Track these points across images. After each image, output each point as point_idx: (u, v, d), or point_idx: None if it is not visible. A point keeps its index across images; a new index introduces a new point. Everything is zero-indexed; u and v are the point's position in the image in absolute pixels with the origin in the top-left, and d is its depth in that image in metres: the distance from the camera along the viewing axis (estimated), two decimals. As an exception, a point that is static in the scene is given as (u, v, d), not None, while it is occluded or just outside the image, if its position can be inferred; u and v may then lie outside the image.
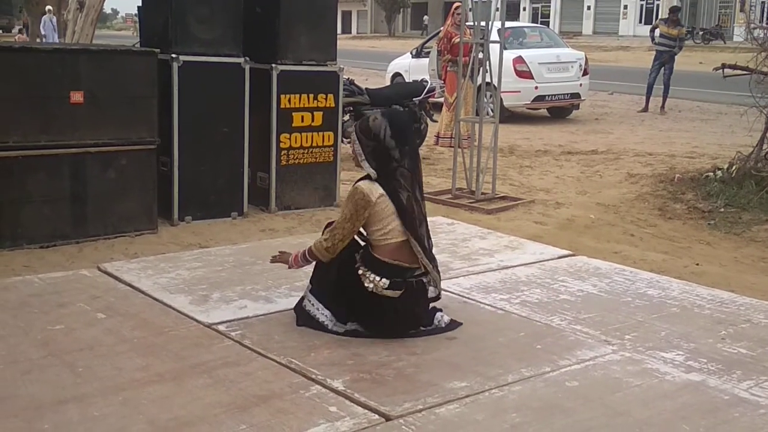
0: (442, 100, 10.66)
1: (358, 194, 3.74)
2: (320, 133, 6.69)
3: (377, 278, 3.76)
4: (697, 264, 5.69)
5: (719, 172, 8.01)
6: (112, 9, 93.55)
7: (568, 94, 13.78)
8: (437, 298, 4.01)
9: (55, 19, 22.30)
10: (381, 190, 3.75)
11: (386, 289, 3.75)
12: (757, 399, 3.32)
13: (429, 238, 3.93)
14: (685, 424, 3.09)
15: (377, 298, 3.77)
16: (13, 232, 5.28)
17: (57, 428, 2.93)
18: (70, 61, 5.42)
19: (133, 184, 5.70)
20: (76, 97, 5.38)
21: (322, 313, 3.90)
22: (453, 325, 3.98)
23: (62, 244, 5.41)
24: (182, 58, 5.91)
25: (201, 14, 6.04)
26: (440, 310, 4.04)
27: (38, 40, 14.98)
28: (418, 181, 3.86)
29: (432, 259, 3.90)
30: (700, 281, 5.09)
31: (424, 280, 3.87)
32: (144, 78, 5.66)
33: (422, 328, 3.90)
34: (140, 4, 6.68)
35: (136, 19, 8.00)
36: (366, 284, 3.76)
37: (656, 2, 46.93)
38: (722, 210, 7.03)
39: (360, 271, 3.79)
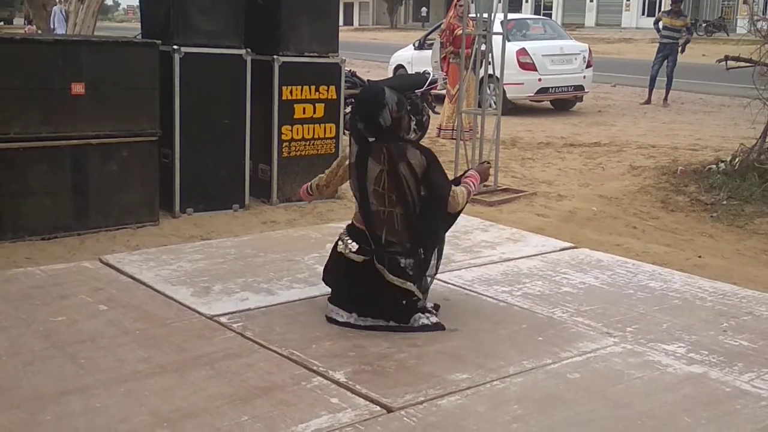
0: (444, 92, 10.63)
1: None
2: (322, 125, 6.68)
3: (349, 240, 3.87)
4: (700, 256, 5.68)
5: (722, 165, 7.99)
6: (114, 0, 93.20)
7: (571, 86, 13.73)
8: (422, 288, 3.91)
9: (65, 10, 21.78)
10: (352, 159, 3.90)
11: (353, 252, 3.83)
12: (759, 391, 3.31)
13: (390, 222, 3.84)
14: (686, 416, 3.08)
15: (343, 261, 3.86)
16: (15, 223, 5.28)
17: (59, 419, 2.93)
18: (71, 52, 5.42)
19: (134, 175, 5.70)
20: (78, 88, 5.38)
21: (338, 314, 3.88)
22: (430, 328, 3.82)
23: (64, 235, 5.41)
24: (184, 49, 5.90)
25: (202, 5, 6.03)
26: (426, 312, 3.89)
27: (38, 32, 14.88)
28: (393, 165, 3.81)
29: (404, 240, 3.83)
30: (703, 274, 5.09)
31: (402, 261, 3.80)
32: (145, 69, 5.66)
33: (392, 323, 3.82)
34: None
35: (138, 10, 7.97)
36: (339, 246, 3.90)
37: (659, -6, 46.77)
38: (725, 202, 7.02)
39: (339, 236, 3.93)
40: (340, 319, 3.87)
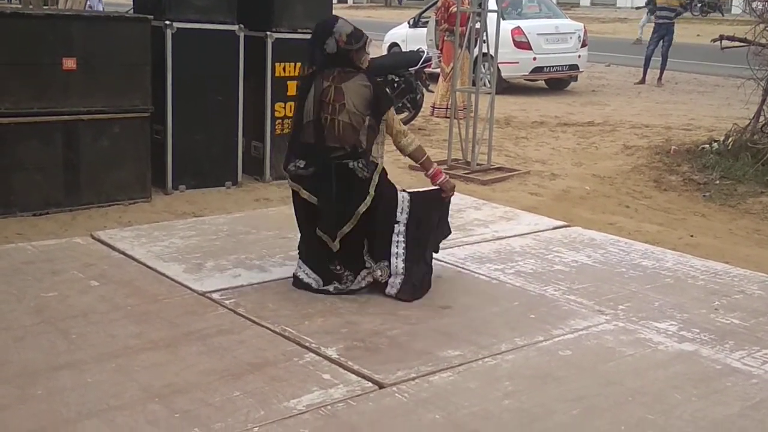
0: (439, 70, 10.58)
1: None
2: (315, 103, 6.63)
3: (297, 161, 4.03)
4: (692, 235, 5.69)
5: (715, 144, 7.99)
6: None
7: (566, 65, 13.66)
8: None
9: None
10: (302, 82, 4.21)
11: (301, 169, 4.00)
12: (749, 369, 3.33)
13: None
14: (677, 393, 3.10)
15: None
16: (6, 199, 5.25)
17: (50, 394, 2.93)
18: (62, 27, 5.36)
19: (126, 152, 5.67)
20: (69, 63, 5.33)
21: (310, 277, 4.00)
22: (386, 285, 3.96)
23: (55, 212, 5.39)
24: (176, 24, 5.84)
25: (195, -19, 5.96)
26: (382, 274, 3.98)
27: (31, 6, 14.74)
28: None
29: None
30: (695, 252, 5.10)
31: (350, 164, 3.90)
32: (137, 45, 5.60)
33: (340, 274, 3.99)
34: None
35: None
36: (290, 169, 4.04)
37: (655, -26, 46.48)
38: (717, 182, 7.02)
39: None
40: (314, 286, 4.00)
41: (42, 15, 5.75)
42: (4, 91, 5.16)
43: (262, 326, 3.58)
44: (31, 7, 10.94)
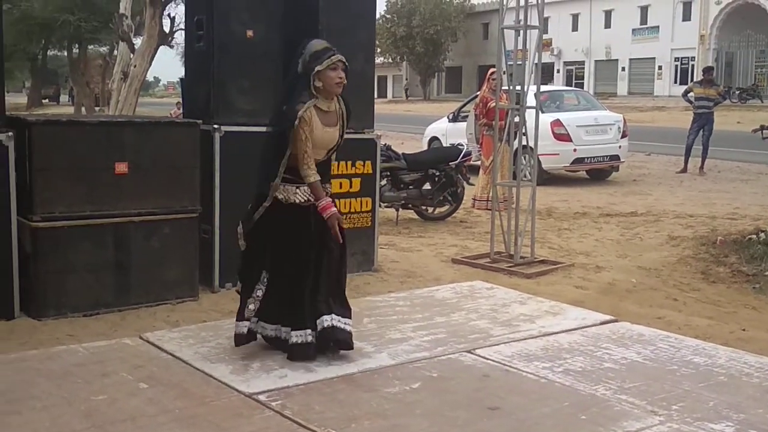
0: (479, 163, 10.70)
1: None
2: (358, 199, 6.74)
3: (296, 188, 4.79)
4: (744, 329, 5.56)
5: (762, 235, 7.89)
6: (154, 77, 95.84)
7: (607, 156, 13.74)
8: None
9: None
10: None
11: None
12: (813, 473, 3.21)
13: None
14: (738, 500, 2.99)
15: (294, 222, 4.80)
16: (58, 300, 5.35)
17: (99, 502, 2.93)
18: (115, 133, 5.57)
19: (175, 252, 5.77)
20: (121, 167, 5.50)
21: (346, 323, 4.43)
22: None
23: (105, 312, 5.47)
24: (224, 128, 6.02)
25: (242, 86, 6.17)
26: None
27: (83, 109, 15.31)
28: None
29: None
30: (747, 347, 4.98)
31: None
32: (186, 148, 5.77)
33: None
34: (182, 76, 6.87)
35: (177, 86, 8.26)
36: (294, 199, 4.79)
37: (691, 63, 46.98)
38: (767, 273, 6.90)
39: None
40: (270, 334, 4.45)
41: (95, 122, 5.97)
42: (59, 195, 5.32)
43: (309, 429, 3.56)
44: (83, 110, 11.39)
